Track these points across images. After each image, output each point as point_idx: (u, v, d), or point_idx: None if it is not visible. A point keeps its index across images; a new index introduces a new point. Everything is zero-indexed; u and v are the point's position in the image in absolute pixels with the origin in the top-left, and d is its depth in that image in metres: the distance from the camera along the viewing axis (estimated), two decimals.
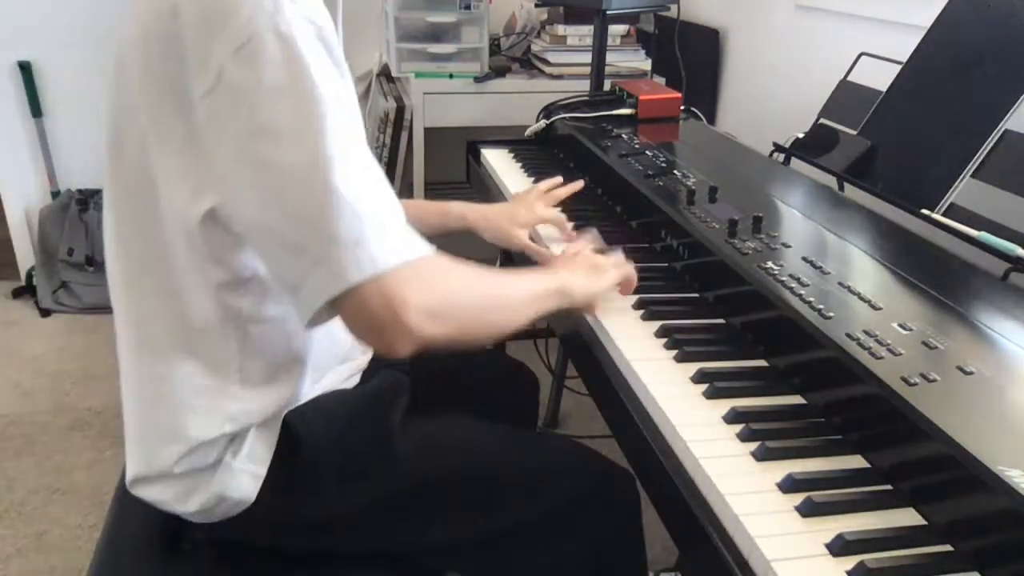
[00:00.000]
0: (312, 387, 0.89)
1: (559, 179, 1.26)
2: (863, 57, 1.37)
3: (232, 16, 0.64)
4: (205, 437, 0.80)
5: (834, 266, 0.90)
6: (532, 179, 1.45)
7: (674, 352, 0.87)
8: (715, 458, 0.70)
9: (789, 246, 0.95)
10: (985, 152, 1.04)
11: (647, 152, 1.34)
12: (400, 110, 2.27)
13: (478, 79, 2.19)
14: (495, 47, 2.40)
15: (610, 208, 1.30)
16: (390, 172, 2.38)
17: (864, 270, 0.91)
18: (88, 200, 2.57)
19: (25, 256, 2.65)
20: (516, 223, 1.16)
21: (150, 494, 0.84)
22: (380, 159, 2.35)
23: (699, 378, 0.82)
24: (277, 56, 0.64)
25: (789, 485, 0.66)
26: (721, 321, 0.94)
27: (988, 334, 0.76)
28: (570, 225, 1.19)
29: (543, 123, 1.61)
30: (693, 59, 2.07)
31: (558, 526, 0.93)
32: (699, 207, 1.09)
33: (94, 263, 2.55)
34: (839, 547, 0.60)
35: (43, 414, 2.06)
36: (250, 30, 0.64)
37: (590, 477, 0.98)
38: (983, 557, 0.58)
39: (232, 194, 0.68)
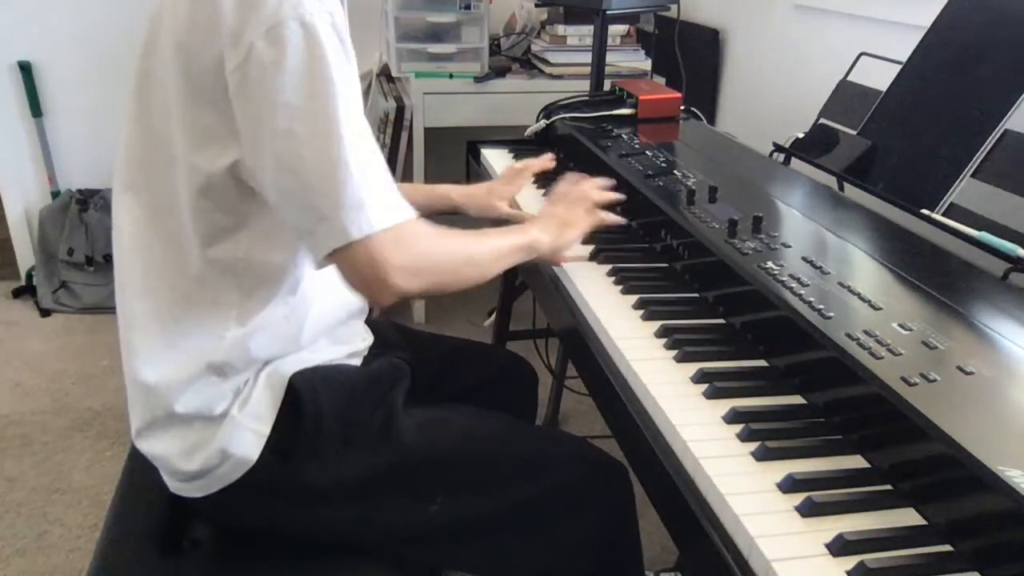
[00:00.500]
0: (312, 348, 0.92)
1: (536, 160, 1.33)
2: (863, 57, 1.37)
3: (264, 2, 0.73)
4: (211, 357, 0.84)
5: (834, 266, 0.90)
6: (532, 179, 1.45)
7: (674, 352, 0.87)
8: (715, 458, 0.70)
9: (789, 246, 0.96)
10: (985, 152, 1.04)
11: (647, 152, 1.34)
12: (400, 110, 2.27)
13: (478, 79, 2.19)
14: (495, 47, 2.40)
15: (610, 208, 1.30)
16: (390, 172, 2.36)
17: (864, 270, 0.91)
18: (88, 200, 2.57)
19: (25, 256, 2.65)
20: (495, 196, 1.27)
21: (156, 448, 0.87)
22: None
23: (699, 378, 0.82)
24: (300, 42, 0.74)
25: (789, 485, 0.66)
26: (721, 321, 0.95)
27: (988, 334, 0.76)
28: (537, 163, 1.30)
29: (543, 123, 1.61)
30: (693, 59, 2.07)
31: (555, 511, 0.96)
32: (699, 207, 1.09)
33: (94, 263, 2.55)
34: (839, 547, 0.60)
35: (43, 414, 2.06)
36: (279, 16, 0.73)
37: (586, 464, 1.00)
38: (983, 557, 0.58)
39: (252, 158, 0.78)
